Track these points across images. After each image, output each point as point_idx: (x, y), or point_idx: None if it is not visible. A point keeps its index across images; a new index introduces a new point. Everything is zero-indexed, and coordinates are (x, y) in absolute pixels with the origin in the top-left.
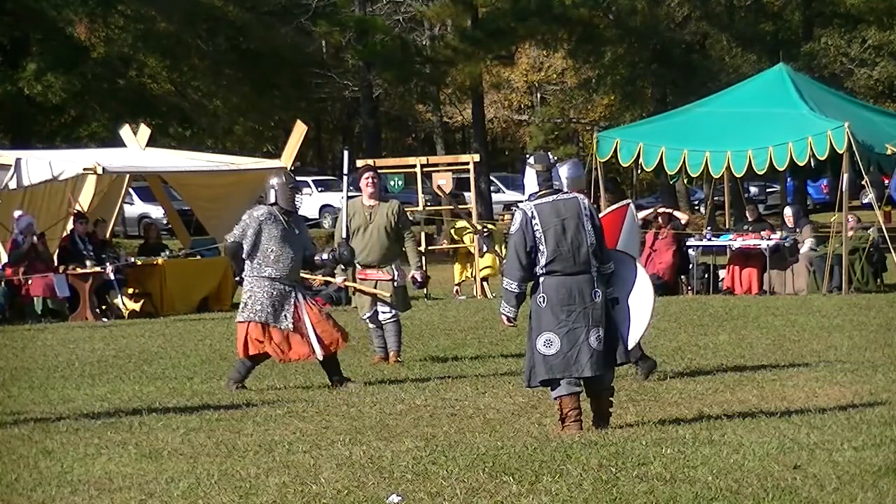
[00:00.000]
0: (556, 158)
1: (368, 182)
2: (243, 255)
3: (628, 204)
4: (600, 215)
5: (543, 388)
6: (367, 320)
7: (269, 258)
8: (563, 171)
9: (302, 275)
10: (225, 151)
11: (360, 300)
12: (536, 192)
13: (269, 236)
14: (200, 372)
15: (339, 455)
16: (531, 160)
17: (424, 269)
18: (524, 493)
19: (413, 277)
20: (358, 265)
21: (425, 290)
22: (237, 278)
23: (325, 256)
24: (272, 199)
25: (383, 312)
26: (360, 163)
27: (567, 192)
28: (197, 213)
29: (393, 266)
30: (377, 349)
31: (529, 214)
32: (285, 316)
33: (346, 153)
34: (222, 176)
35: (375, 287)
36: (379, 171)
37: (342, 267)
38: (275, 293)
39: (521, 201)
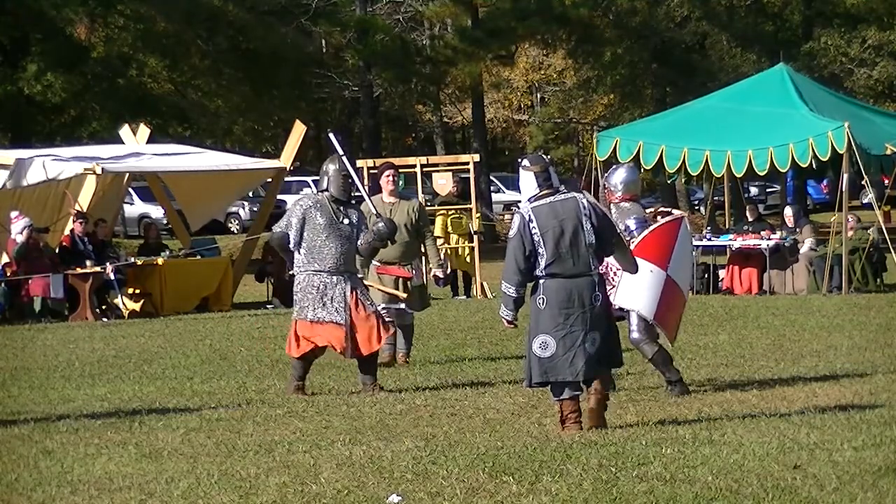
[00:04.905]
0: (550, 158)
1: (389, 180)
2: (291, 246)
3: (683, 218)
4: (653, 227)
5: (543, 388)
6: None
7: (314, 249)
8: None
9: None
10: (225, 151)
11: (373, 295)
12: (536, 194)
13: (313, 225)
14: (200, 372)
15: (339, 455)
16: (525, 162)
17: (446, 266)
18: (524, 493)
19: (435, 276)
20: (376, 262)
21: (449, 288)
22: (290, 273)
23: (365, 237)
24: (324, 186)
25: (403, 313)
26: (359, 163)
27: (565, 192)
28: (183, 207)
29: (412, 264)
30: (385, 347)
31: (527, 218)
32: (336, 309)
33: (332, 135)
34: (217, 175)
35: (397, 283)
36: (375, 170)
37: (360, 262)
38: (322, 287)
39: (519, 202)
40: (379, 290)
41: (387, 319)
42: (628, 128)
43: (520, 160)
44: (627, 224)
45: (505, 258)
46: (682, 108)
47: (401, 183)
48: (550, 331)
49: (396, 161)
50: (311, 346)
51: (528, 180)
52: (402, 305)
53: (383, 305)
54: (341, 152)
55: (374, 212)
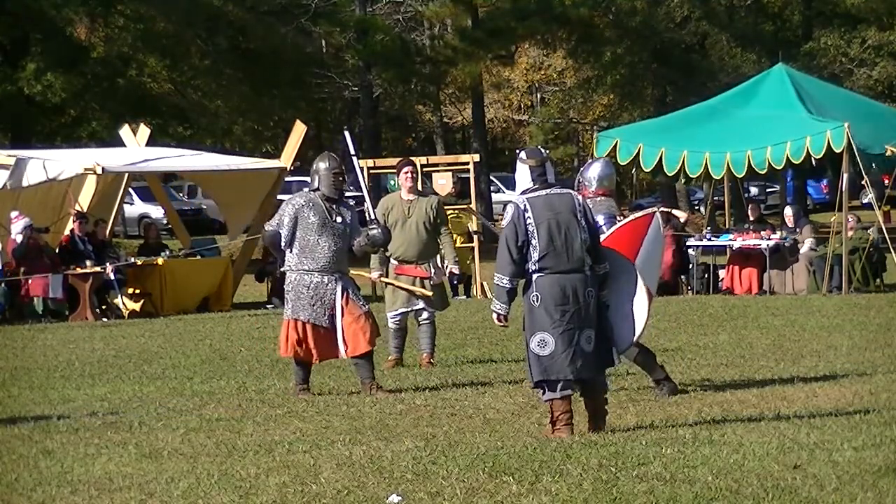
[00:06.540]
0: (547, 153)
1: (408, 176)
2: (282, 245)
3: (654, 213)
4: (622, 222)
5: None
6: (391, 320)
7: (307, 248)
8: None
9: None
10: (225, 151)
11: (393, 296)
12: (530, 188)
13: (305, 224)
14: (200, 372)
15: (339, 455)
16: (523, 155)
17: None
18: (524, 493)
19: (451, 272)
20: (394, 260)
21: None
22: (281, 270)
23: (359, 240)
24: (315, 185)
25: (422, 311)
26: (359, 163)
27: (560, 188)
28: (223, 211)
29: (430, 263)
30: (392, 350)
31: (522, 207)
32: (324, 311)
33: (346, 133)
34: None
35: (414, 284)
36: (375, 170)
37: (380, 260)
38: (312, 286)
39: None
40: (400, 288)
41: (393, 325)
42: (628, 129)
43: (518, 151)
44: (597, 219)
45: (497, 250)
46: (682, 111)
47: (395, 182)
48: (548, 328)
49: (396, 161)
50: (298, 352)
51: (523, 174)
52: (421, 304)
53: (401, 310)
54: (353, 151)
55: (372, 216)
